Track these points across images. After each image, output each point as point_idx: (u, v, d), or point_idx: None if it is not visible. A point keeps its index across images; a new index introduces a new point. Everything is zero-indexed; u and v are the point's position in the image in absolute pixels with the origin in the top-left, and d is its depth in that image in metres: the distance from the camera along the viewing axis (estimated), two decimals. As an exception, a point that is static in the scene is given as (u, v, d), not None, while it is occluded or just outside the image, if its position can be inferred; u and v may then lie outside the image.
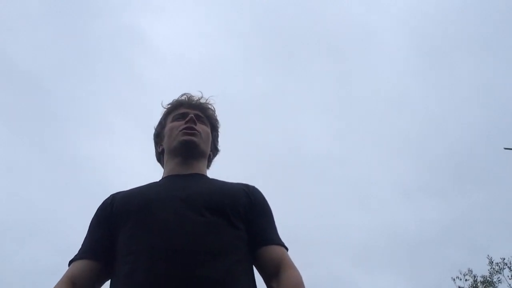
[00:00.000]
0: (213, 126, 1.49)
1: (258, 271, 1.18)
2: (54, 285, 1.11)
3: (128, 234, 1.12)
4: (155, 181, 1.35)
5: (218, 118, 1.51)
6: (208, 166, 1.47)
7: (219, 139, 1.53)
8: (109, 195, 1.29)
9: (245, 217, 1.20)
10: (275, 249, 1.18)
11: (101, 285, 1.17)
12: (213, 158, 1.50)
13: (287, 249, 1.21)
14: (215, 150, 1.50)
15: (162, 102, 1.50)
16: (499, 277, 14.95)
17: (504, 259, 15.00)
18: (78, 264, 1.15)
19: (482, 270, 15.68)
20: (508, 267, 14.82)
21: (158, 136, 1.47)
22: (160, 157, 1.46)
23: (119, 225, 1.16)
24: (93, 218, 1.26)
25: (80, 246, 1.21)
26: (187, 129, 1.35)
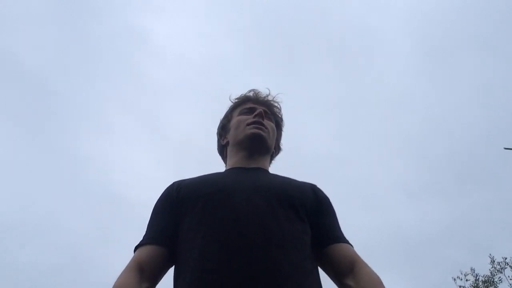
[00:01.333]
0: (278, 124, 1.49)
1: (326, 270, 1.17)
2: (121, 271, 1.09)
3: (196, 220, 1.10)
4: (218, 171, 1.35)
5: (283, 116, 1.52)
6: (270, 163, 1.46)
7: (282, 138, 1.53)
8: (172, 183, 1.28)
9: (311, 213, 1.19)
10: (347, 246, 1.18)
11: (166, 271, 1.16)
12: (275, 157, 1.50)
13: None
14: (278, 149, 1.50)
15: (230, 96, 1.50)
16: (500, 277, 14.98)
17: (506, 258, 15.02)
18: (146, 249, 1.13)
19: (483, 269, 15.67)
20: (510, 266, 14.84)
21: (223, 129, 1.47)
22: (223, 149, 1.46)
23: (186, 211, 1.15)
24: (157, 204, 1.25)
25: (145, 231, 1.19)
26: (256, 123, 1.35)
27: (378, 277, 1.09)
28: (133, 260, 1.12)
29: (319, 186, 1.34)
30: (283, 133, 1.53)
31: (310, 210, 1.19)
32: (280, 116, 1.50)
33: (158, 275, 1.13)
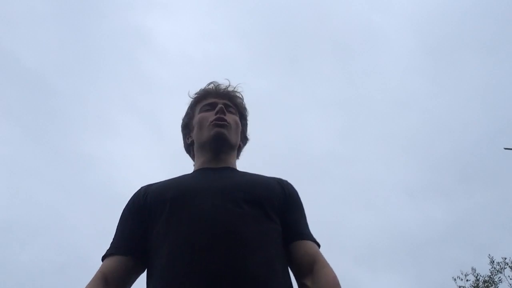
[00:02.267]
0: (242, 114, 1.46)
1: (290, 266, 1.15)
2: (88, 282, 1.09)
3: (164, 225, 1.10)
4: (186, 173, 1.34)
5: (246, 106, 1.49)
6: (238, 156, 1.45)
7: (248, 127, 1.51)
8: (139, 188, 1.27)
9: (280, 210, 1.17)
10: (309, 244, 1.16)
11: (135, 279, 1.15)
12: (243, 148, 1.48)
13: (319, 246, 1.18)
14: (244, 139, 1.48)
15: (188, 92, 1.46)
16: (500, 277, 14.93)
17: (505, 258, 14.97)
18: (111, 260, 1.13)
19: (485, 270, 15.61)
20: (509, 266, 14.80)
21: (187, 127, 1.44)
22: (189, 148, 1.44)
23: (154, 217, 1.14)
24: (124, 211, 1.23)
25: (112, 240, 1.19)
26: (217, 120, 1.32)
27: (336, 278, 1.07)
28: (99, 271, 1.11)
29: (287, 180, 1.33)
30: (248, 122, 1.51)
31: (278, 207, 1.18)
32: (243, 106, 1.47)
33: (124, 285, 1.13)
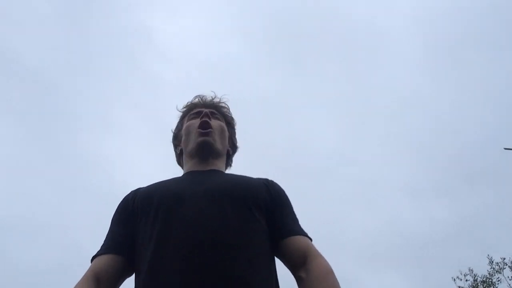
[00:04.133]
0: (229, 123, 1.50)
1: (284, 263, 1.18)
2: (78, 281, 1.09)
3: (149, 228, 1.12)
4: (176, 176, 1.37)
5: (233, 115, 1.53)
6: (229, 163, 1.49)
7: (237, 136, 1.54)
8: (129, 191, 1.30)
9: (266, 210, 1.20)
10: (300, 239, 1.18)
11: (124, 281, 1.16)
12: (232, 155, 1.51)
13: (311, 239, 1.21)
14: (233, 147, 1.51)
15: (177, 106, 1.52)
16: (499, 277, 14.88)
17: (504, 258, 14.93)
18: (102, 259, 1.14)
19: (486, 270, 15.55)
20: (508, 267, 14.75)
21: (176, 138, 1.49)
22: (180, 159, 1.47)
23: (140, 220, 1.17)
24: (114, 213, 1.27)
25: (102, 242, 1.21)
26: (202, 125, 1.36)
27: (328, 266, 1.10)
28: (90, 270, 1.12)
29: (272, 179, 1.36)
30: (236, 131, 1.54)
31: (264, 207, 1.21)
32: (229, 115, 1.51)
33: (115, 285, 1.14)
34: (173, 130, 1.53)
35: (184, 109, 1.51)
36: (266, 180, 1.34)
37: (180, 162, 1.48)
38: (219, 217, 1.11)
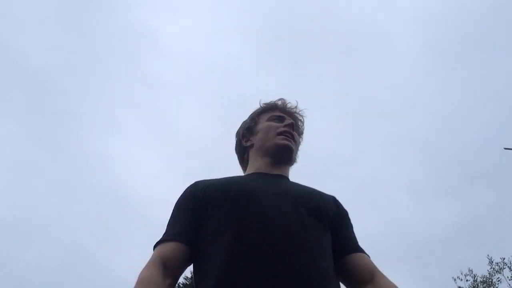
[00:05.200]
0: (299, 136, 1.52)
1: (345, 277, 1.19)
2: (144, 266, 1.09)
3: (223, 221, 1.12)
4: (239, 175, 1.38)
5: (304, 130, 1.54)
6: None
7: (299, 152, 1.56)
8: (194, 182, 1.29)
9: (332, 224, 1.22)
10: (367, 257, 1.22)
11: (184, 270, 1.16)
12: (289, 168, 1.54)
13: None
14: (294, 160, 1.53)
15: (260, 100, 1.52)
16: (499, 277, 14.88)
17: (504, 258, 14.93)
18: (170, 245, 1.13)
19: (486, 270, 15.54)
20: (508, 267, 14.75)
21: (249, 130, 1.47)
22: (244, 151, 1.46)
23: (211, 212, 1.17)
24: (180, 201, 1.26)
25: (166, 229, 1.20)
26: (287, 133, 1.38)
27: (396, 285, 1.14)
28: (157, 256, 1.11)
29: (338, 198, 1.38)
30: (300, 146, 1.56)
31: (332, 221, 1.22)
32: (302, 129, 1.52)
33: (179, 273, 1.14)
34: (246, 120, 1.52)
35: (265, 105, 1.51)
36: (334, 197, 1.36)
37: (243, 154, 1.47)
38: (298, 221, 1.12)
